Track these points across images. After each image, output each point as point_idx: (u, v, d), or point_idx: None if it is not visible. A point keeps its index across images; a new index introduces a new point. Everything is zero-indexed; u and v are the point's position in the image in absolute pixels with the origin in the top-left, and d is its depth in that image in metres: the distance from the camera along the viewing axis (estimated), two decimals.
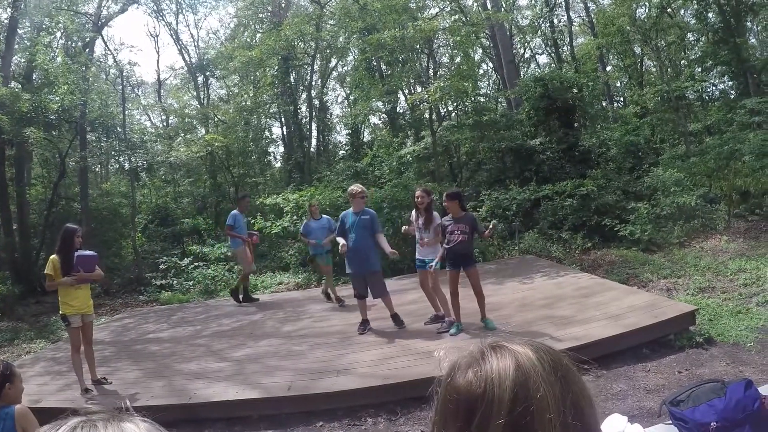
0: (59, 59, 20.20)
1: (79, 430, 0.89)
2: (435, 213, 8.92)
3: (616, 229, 15.01)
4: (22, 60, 20.42)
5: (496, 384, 1.04)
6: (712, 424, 3.32)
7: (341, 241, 8.97)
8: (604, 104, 29.72)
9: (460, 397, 1.08)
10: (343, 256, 9.27)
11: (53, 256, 7.46)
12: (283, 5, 27.47)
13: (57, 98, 18.02)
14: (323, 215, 12.47)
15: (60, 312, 7.57)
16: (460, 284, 8.37)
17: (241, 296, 13.38)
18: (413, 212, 9.01)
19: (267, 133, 31.68)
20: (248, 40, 28.34)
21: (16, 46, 19.60)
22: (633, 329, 7.57)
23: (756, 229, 14.65)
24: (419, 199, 8.74)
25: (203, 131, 26.95)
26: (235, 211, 12.93)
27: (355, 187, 9.19)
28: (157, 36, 55.16)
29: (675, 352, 7.43)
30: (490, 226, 8.41)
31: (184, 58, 32.51)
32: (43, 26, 20.56)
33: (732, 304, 9.25)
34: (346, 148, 29.46)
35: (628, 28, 26.62)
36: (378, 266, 9.29)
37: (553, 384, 1.04)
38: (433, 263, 8.64)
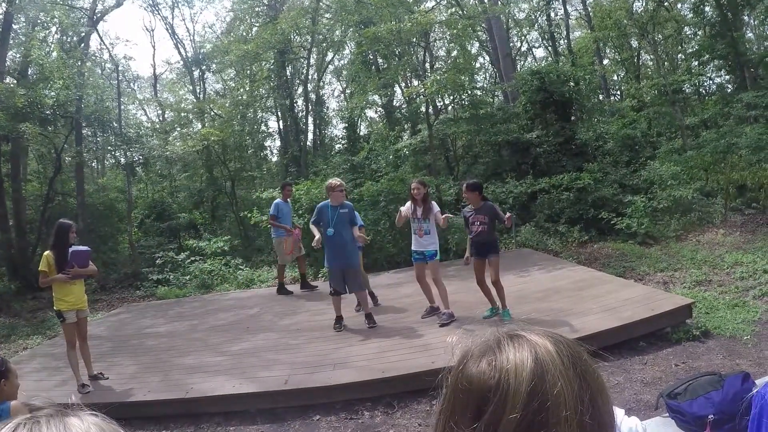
0: (54, 54, 20.13)
1: (22, 428, 0.88)
2: (433, 203, 8.89)
3: (612, 222, 15.03)
4: (18, 55, 20.35)
5: (512, 375, 1.00)
6: (709, 416, 3.32)
7: (316, 234, 8.98)
8: (600, 98, 29.73)
9: (473, 387, 1.04)
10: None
11: (47, 252, 7.43)
12: None
13: (52, 93, 17.96)
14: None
15: (54, 308, 7.55)
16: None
17: (281, 287, 13.01)
18: (408, 203, 8.94)
19: (263, 127, 31.63)
20: (244, 33, 28.28)
21: (11, 42, 19.52)
22: (630, 322, 7.58)
23: (752, 222, 14.68)
24: (416, 191, 8.71)
25: (199, 125, 26.89)
26: (278, 200, 12.68)
27: (334, 181, 9.19)
28: (152, 30, 54.86)
29: (672, 345, 7.45)
30: (507, 215, 8.33)
31: (179, 53, 32.41)
32: (38, 21, 20.49)
33: (729, 297, 9.28)
34: (343, 142, 29.34)
35: (625, 21, 26.63)
36: (357, 261, 9.31)
37: (572, 380, 1.00)
38: (436, 256, 8.69)
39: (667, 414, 3.65)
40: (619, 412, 2.82)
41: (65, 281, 7.35)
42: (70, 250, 7.41)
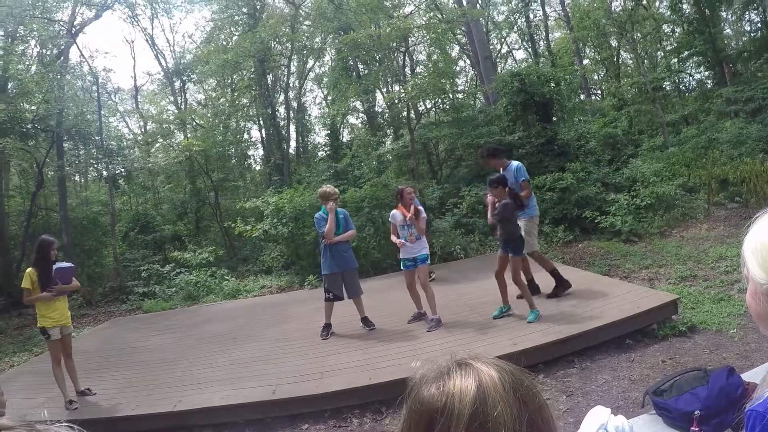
0: (34, 68, 20.00)
1: None
2: (420, 207, 8.89)
3: (596, 221, 15.08)
4: None
5: (456, 399, 1.13)
6: (695, 412, 3.33)
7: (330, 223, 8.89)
8: (581, 97, 29.84)
9: (423, 408, 1.17)
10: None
11: (30, 270, 7.38)
12: (258, 7, 27.34)
13: (32, 107, 17.85)
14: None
15: (39, 325, 7.48)
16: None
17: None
18: (394, 212, 8.90)
19: (246, 136, 31.57)
20: (224, 43, 28.23)
21: None
22: (616, 320, 7.59)
23: (736, 216, 14.74)
24: (411, 195, 8.73)
25: (181, 136, 26.81)
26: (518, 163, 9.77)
27: (329, 189, 9.13)
28: (132, 42, 54.67)
29: (658, 342, 7.46)
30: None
31: (160, 63, 32.28)
32: (17, 35, 20.33)
33: (714, 291, 9.31)
34: (326, 149, 29.35)
35: (603, 21, 26.79)
36: (356, 264, 9.35)
37: (512, 403, 1.12)
38: (427, 260, 8.70)
39: (654, 411, 3.66)
40: (605, 411, 2.83)
41: (49, 299, 7.31)
42: (54, 267, 7.36)
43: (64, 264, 7.62)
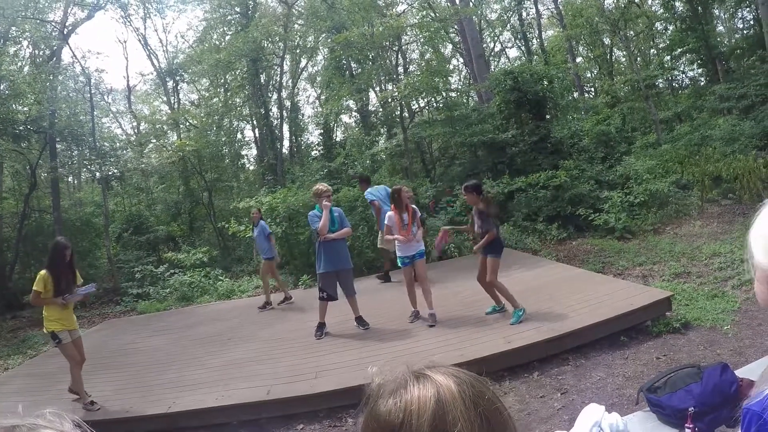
0: (26, 69, 19.91)
1: None
2: (413, 206, 8.90)
3: (590, 218, 15.10)
4: None
5: (414, 415, 1.06)
6: (689, 409, 3.32)
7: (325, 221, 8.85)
8: (574, 95, 29.87)
9: (379, 425, 1.11)
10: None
11: (43, 272, 7.20)
12: (251, 6, 27.29)
13: (25, 109, 17.77)
14: None
15: (47, 330, 7.27)
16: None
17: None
18: (390, 213, 8.87)
19: (239, 136, 31.49)
20: (217, 42, 28.18)
21: None
22: (610, 317, 7.59)
23: (729, 213, 14.78)
24: (408, 194, 8.74)
25: (175, 137, 26.75)
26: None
27: (322, 186, 9.08)
28: (125, 42, 54.41)
29: (652, 339, 7.47)
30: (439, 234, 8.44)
31: (153, 63, 32.16)
32: (9, 36, 20.24)
33: (708, 288, 9.33)
34: (319, 149, 29.34)
35: (596, 19, 26.83)
36: (351, 263, 9.29)
37: (473, 419, 1.06)
38: (424, 255, 8.71)
39: (648, 408, 3.65)
40: (599, 409, 2.82)
41: (60, 306, 7.22)
42: (83, 291, 7.43)
43: (90, 287, 7.65)
